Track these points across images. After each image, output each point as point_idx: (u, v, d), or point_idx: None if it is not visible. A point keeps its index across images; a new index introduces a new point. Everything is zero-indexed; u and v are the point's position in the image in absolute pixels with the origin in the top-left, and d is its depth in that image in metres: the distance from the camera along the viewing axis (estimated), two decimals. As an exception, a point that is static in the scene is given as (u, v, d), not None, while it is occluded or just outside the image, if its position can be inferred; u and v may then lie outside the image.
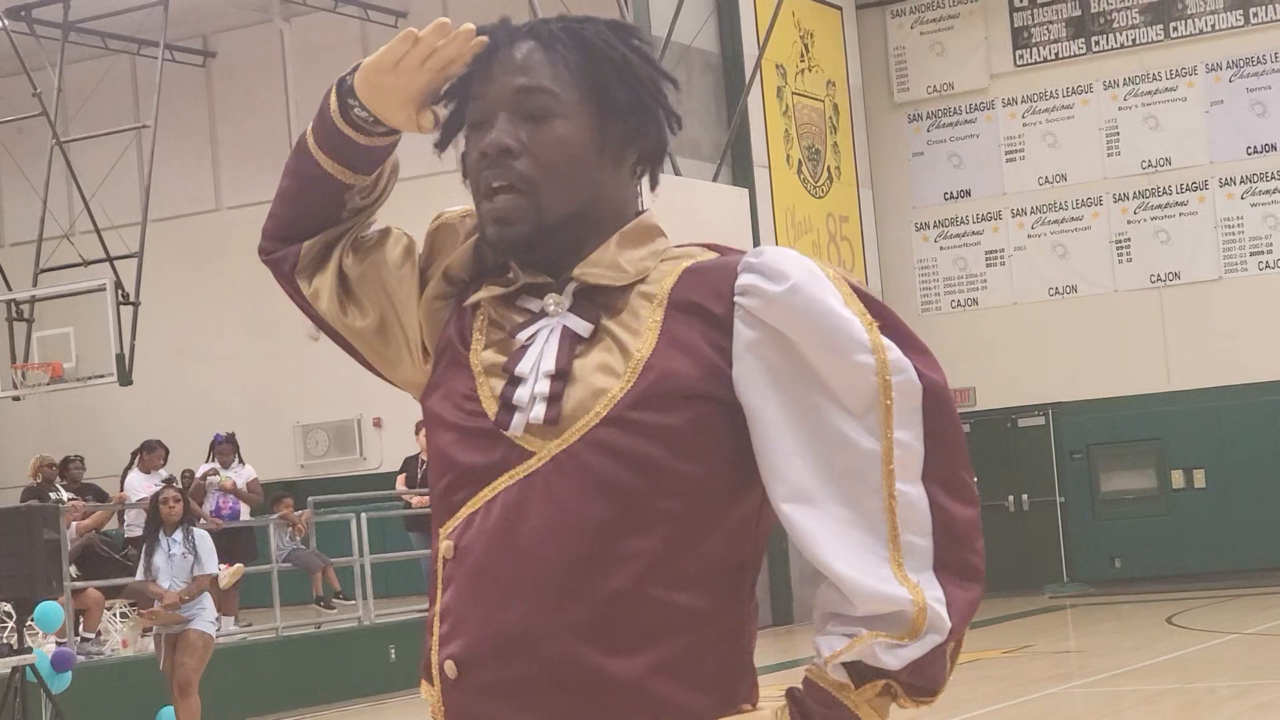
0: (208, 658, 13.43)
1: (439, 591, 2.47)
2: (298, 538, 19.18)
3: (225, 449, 19.44)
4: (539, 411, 2.41)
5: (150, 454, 19.11)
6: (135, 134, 24.72)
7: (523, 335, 2.49)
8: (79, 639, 16.39)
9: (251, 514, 19.48)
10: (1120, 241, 24.92)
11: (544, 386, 2.42)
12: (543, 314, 2.50)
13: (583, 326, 2.46)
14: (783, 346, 2.39)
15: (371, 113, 2.58)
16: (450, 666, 2.43)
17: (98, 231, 22.52)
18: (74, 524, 17.59)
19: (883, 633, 2.34)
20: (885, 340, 2.39)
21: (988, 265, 25.65)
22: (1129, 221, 24.90)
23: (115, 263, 22.38)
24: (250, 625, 18.61)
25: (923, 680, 2.40)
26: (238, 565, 17.49)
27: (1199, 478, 24.20)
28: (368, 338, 2.71)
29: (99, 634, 16.98)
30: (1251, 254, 24.33)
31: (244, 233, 30.31)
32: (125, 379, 21.82)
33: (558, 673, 2.36)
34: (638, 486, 2.37)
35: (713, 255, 2.52)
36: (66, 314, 22.60)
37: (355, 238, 2.71)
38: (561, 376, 2.43)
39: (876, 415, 2.36)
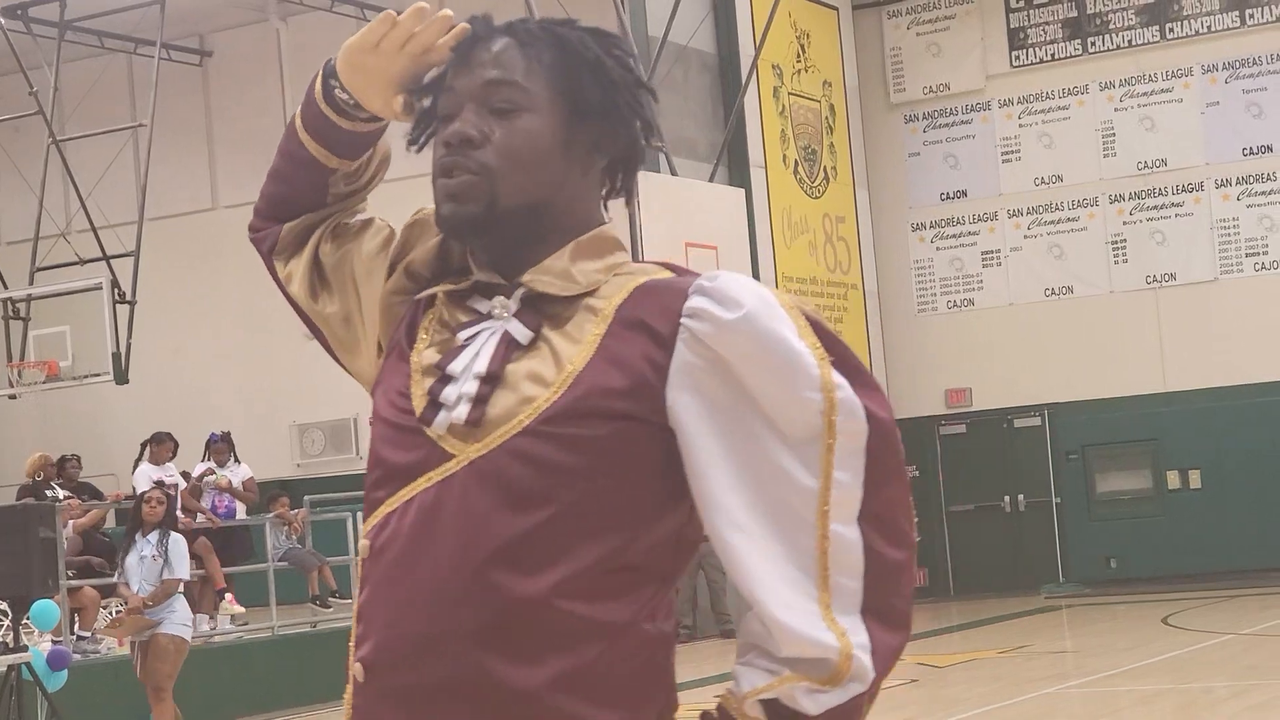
0: (181, 661, 13.32)
1: (357, 591, 2.45)
2: (294, 537, 19.19)
3: (221, 448, 19.44)
4: (462, 412, 2.38)
5: (159, 446, 19.09)
6: (132, 133, 24.71)
7: (463, 335, 2.46)
8: (75, 637, 16.38)
9: (247, 513, 19.48)
10: (1116, 242, 24.94)
11: (471, 388, 2.39)
12: (489, 316, 2.47)
13: (523, 333, 2.42)
14: (724, 374, 2.33)
15: (352, 95, 2.59)
16: (358, 669, 2.39)
17: (94, 230, 22.51)
18: (70, 522, 17.60)
19: (805, 677, 2.30)
20: (836, 378, 2.33)
21: (984, 266, 25.66)
22: (1125, 222, 24.91)
23: (111, 261, 22.38)
24: (246, 624, 18.61)
25: None
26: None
27: (1194, 478, 24.23)
28: (333, 325, 2.72)
29: (95, 633, 16.96)
30: (1247, 255, 24.34)
31: (240, 232, 30.24)
32: (121, 378, 21.81)
33: (458, 681, 2.32)
34: (552, 498, 2.32)
35: (668, 275, 2.47)
36: (63, 312, 22.60)
37: (337, 224, 2.72)
38: (491, 380, 2.39)
39: (817, 452, 2.31)
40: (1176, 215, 24.65)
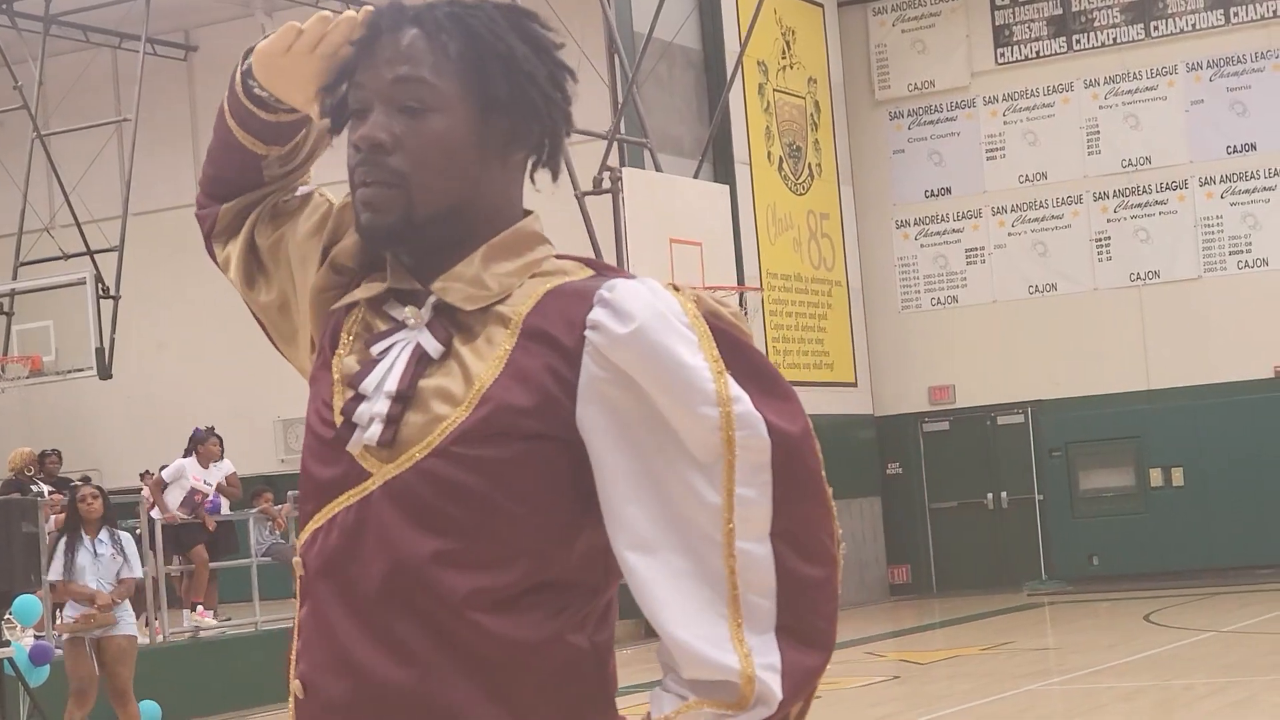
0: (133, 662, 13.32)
1: (298, 608, 2.43)
2: (277, 532, 19.15)
3: (213, 449, 18.98)
4: (375, 432, 2.33)
5: (205, 445, 18.63)
6: (116, 127, 24.68)
7: (377, 348, 2.40)
8: (57, 633, 16.34)
9: (231, 508, 19.43)
10: (1100, 240, 24.97)
11: (383, 407, 2.34)
12: (403, 325, 2.40)
13: (434, 348, 2.36)
14: (631, 387, 2.26)
15: (271, 94, 2.54)
16: (298, 686, 2.39)
17: (78, 225, 22.45)
18: (53, 518, 17.55)
19: (711, 701, 2.23)
20: (734, 391, 2.24)
21: (968, 263, 25.68)
22: (1109, 220, 24.95)
23: (95, 256, 22.32)
24: (229, 620, 18.58)
25: None
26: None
27: (1177, 476, 24.26)
28: (270, 314, 2.67)
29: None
30: (1231, 253, 24.38)
31: (225, 227, 29.92)
32: (105, 373, 21.76)
33: (385, 699, 2.29)
34: (464, 520, 2.28)
35: (586, 274, 2.41)
36: (46, 307, 22.56)
37: (275, 204, 2.65)
38: (402, 399, 2.34)
39: (719, 470, 2.23)
40: (1160, 213, 24.68)
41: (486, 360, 2.32)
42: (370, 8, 2.43)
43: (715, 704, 2.22)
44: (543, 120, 2.40)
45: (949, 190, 25.75)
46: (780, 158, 24.51)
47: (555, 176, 2.48)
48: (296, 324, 2.62)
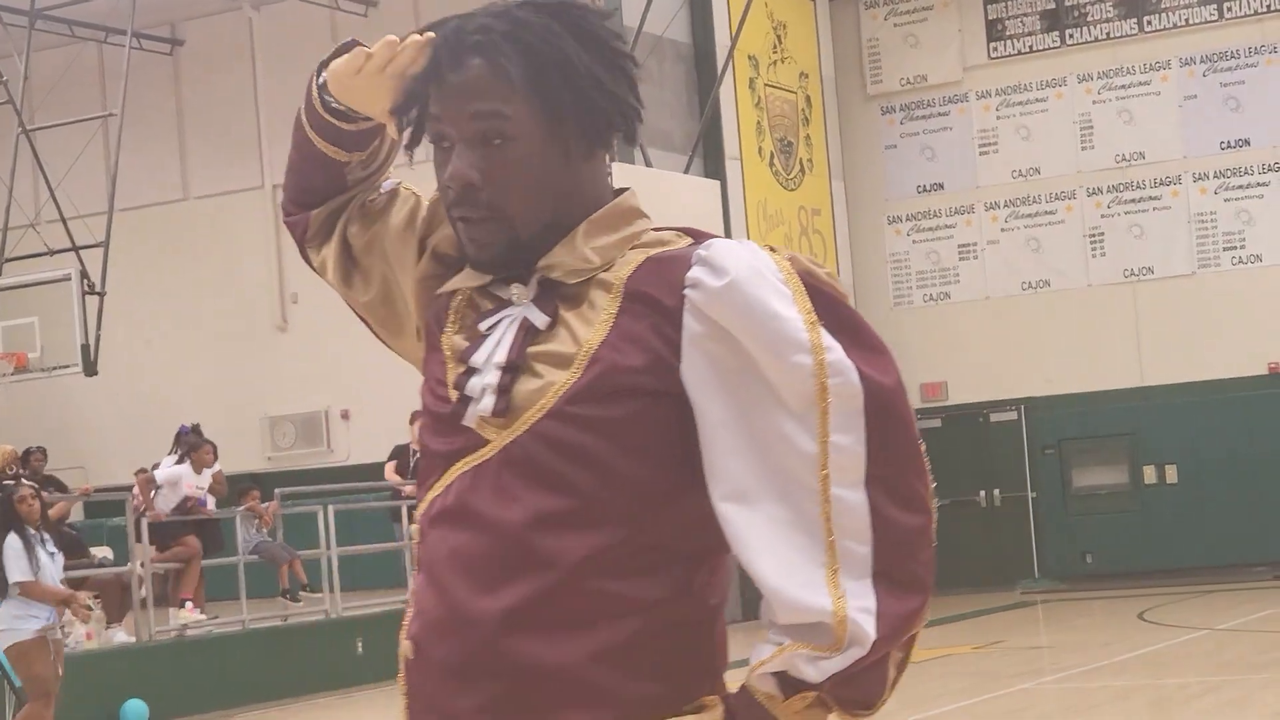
0: None
1: (415, 574, 2.53)
2: (264, 530, 19.04)
3: (205, 455, 18.75)
4: (488, 403, 2.44)
5: (199, 451, 18.44)
6: (102, 122, 24.54)
7: (484, 325, 2.51)
8: (60, 627, 16.20)
9: (217, 506, 19.29)
10: (1093, 236, 24.89)
11: (494, 378, 2.45)
12: (509, 303, 2.52)
13: (540, 319, 2.47)
14: (729, 341, 2.36)
15: (347, 107, 2.64)
16: (408, 646, 2.48)
17: (63, 220, 22.35)
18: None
19: (805, 644, 2.31)
20: (827, 340, 2.34)
21: (960, 259, 25.60)
22: (1102, 216, 24.88)
23: (81, 252, 22.24)
24: (216, 618, 18.46)
25: (852, 694, 2.36)
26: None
27: (1171, 473, 24.21)
28: (374, 309, 2.76)
29: (63, 626, 16.79)
30: (1225, 249, 24.31)
31: (212, 222, 30.41)
32: (90, 369, 21.68)
33: (493, 657, 2.38)
34: (580, 479, 2.37)
35: (686, 242, 2.52)
36: (31, 304, 22.43)
37: (362, 203, 2.75)
38: (512, 369, 2.44)
39: (814, 418, 2.32)
40: (1154, 209, 24.61)
41: (593, 324, 2.43)
42: (431, 34, 2.52)
43: (810, 646, 2.31)
44: (609, 115, 2.51)
45: (941, 185, 25.66)
46: (771, 153, 24.42)
47: (632, 144, 2.60)
48: (402, 316, 2.72)
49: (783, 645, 2.32)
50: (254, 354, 25.60)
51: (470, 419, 2.46)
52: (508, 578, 2.38)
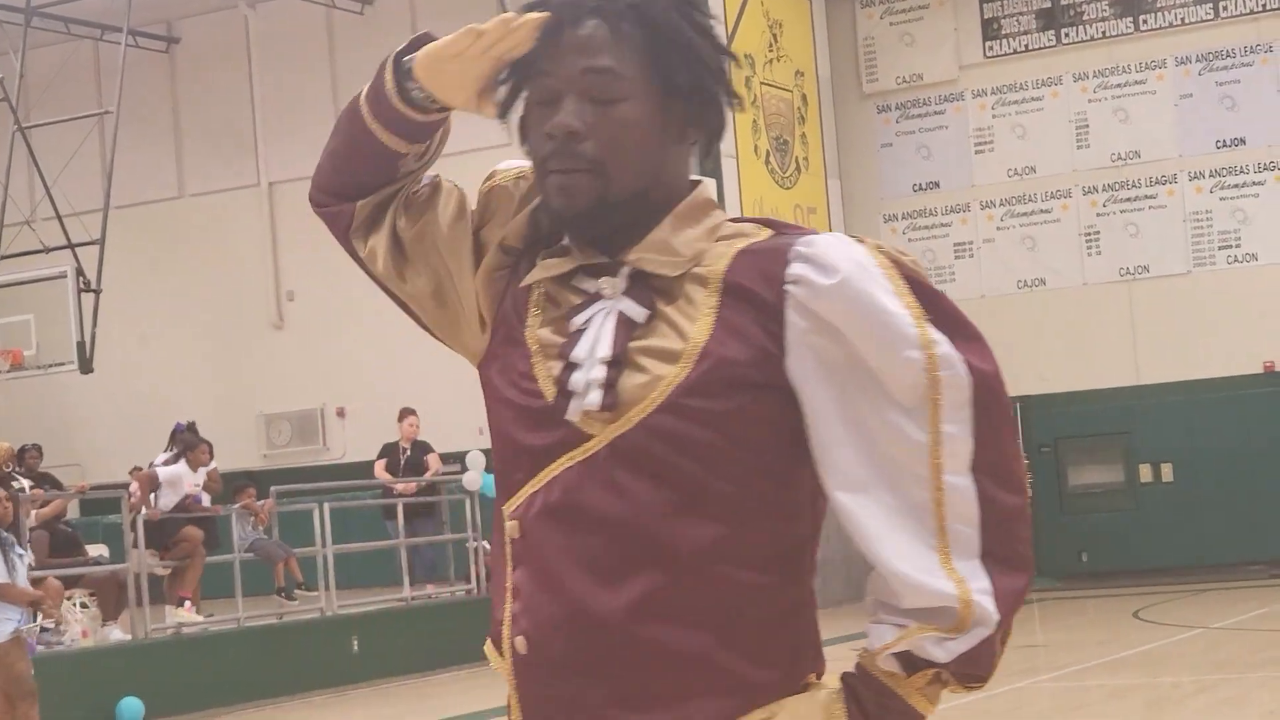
0: None
1: (508, 569, 2.52)
2: (260, 528, 19.03)
3: (201, 455, 18.74)
4: (595, 398, 2.44)
5: (195, 451, 18.45)
6: (98, 120, 24.54)
7: (579, 319, 2.51)
8: (39, 628, 16.21)
9: (212, 504, 19.28)
10: (1089, 234, 24.89)
11: (600, 373, 2.45)
12: (597, 296, 2.52)
13: (638, 312, 2.49)
14: (835, 336, 2.42)
15: (430, 94, 2.60)
16: (521, 642, 2.48)
17: (59, 218, 22.36)
18: (34, 513, 17.43)
19: (931, 627, 2.41)
20: (934, 334, 2.43)
21: (956, 257, 25.60)
22: (1098, 214, 24.87)
23: (77, 250, 22.24)
24: (212, 615, 18.46)
25: (973, 670, 2.47)
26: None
27: (1167, 472, 24.20)
28: (423, 302, 2.72)
29: (58, 623, 16.80)
30: (1220, 248, 24.31)
31: (207, 220, 30.31)
32: (86, 367, 21.69)
33: (622, 649, 2.41)
34: (693, 472, 2.42)
35: (767, 234, 2.54)
36: (27, 301, 22.43)
37: (407, 196, 2.72)
38: (616, 363, 2.46)
39: (926, 410, 2.41)
40: (1150, 207, 24.61)
41: (696, 319, 2.46)
42: (546, 14, 2.53)
43: (935, 629, 2.40)
44: (718, 105, 2.58)
45: (937, 184, 25.65)
46: (767, 151, 24.41)
47: (710, 151, 2.67)
48: (454, 308, 2.69)
49: (907, 628, 2.41)
50: (250, 351, 25.59)
51: (574, 413, 2.45)
52: (631, 571, 2.41)
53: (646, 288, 2.50)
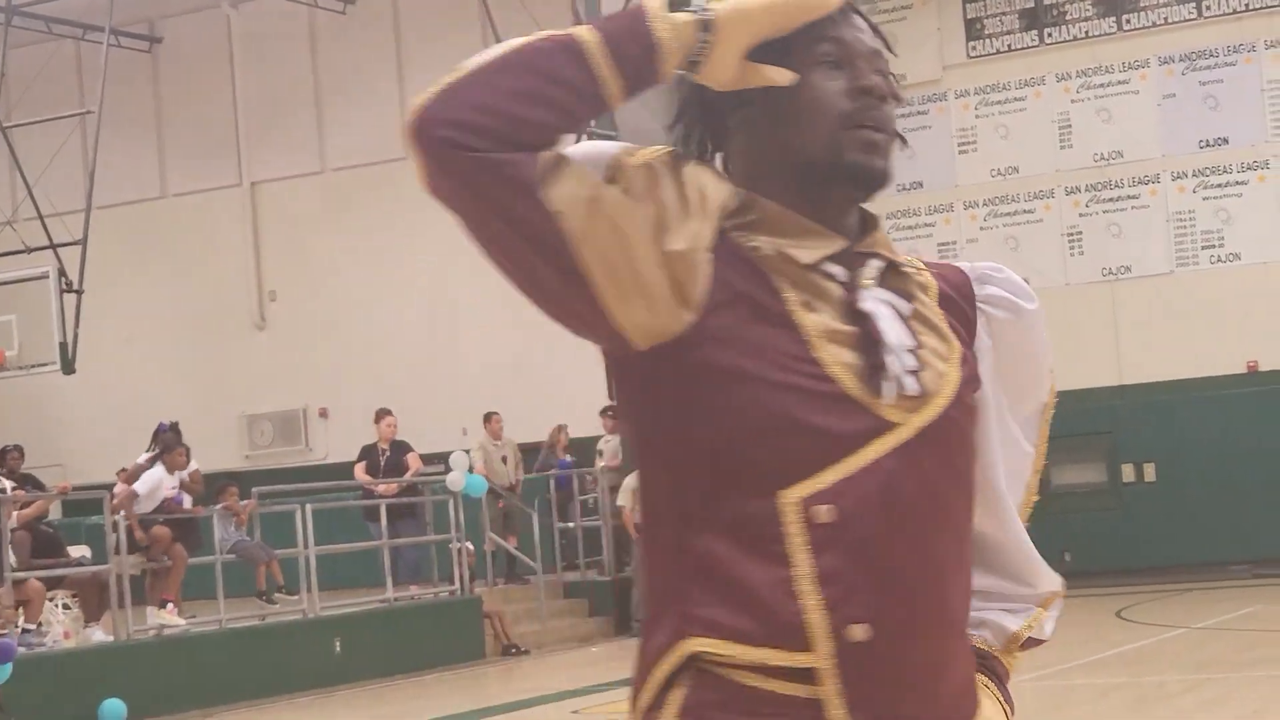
0: None
1: (807, 555, 2.37)
2: (241, 528, 18.97)
3: (180, 458, 18.66)
4: (912, 384, 2.44)
5: (173, 453, 18.35)
6: (80, 119, 24.48)
7: (865, 304, 2.45)
8: (20, 630, 16.17)
9: (194, 505, 19.22)
10: (1072, 234, 24.91)
11: (912, 361, 2.46)
12: (853, 283, 2.47)
13: (905, 306, 2.50)
14: (1003, 353, 2.63)
15: (713, 50, 2.46)
16: (862, 630, 2.38)
17: (41, 218, 22.30)
18: (15, 514, 17.37)
19: (1048, 609, 2.74)
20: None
21: (939, 257, 25.46)
22: (1081, 214, 24.89)
23: (59, 250, 22.18)
24: (194, 617, 18.42)
25: (1043, 640, 2.78)
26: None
27: (1149, 471, 24.23)
28: (597, 267, 2.40)
29: (40, 625, 16.76)
30: (1203, 247, 24.34)
31: (190, 220, 30.21)
32: (68, 367, 21.62)
33: (961, 643, 2.55)
34: (969, 465, 2.55)
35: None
36: (9, 301, 22.36)
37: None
38: (914, 354, 2.50)
39: (1036, 424, 2.73)
40: (1133, 207, 24.64)
41: (941, 319, 2.56)
42: None
43: (1047, 609, 2.74)
44: None
45: (920, 184, 25.65)
46: (751, 151, 24.39)
47: None
48: (624, 280, 2.38)
49: (1034, 612, 2.73)
50: (232, 352, 25.54)
51: (889, 396, 2.41)
52: (963, 564, 2.54)
53: (898, 281, 2.52)
